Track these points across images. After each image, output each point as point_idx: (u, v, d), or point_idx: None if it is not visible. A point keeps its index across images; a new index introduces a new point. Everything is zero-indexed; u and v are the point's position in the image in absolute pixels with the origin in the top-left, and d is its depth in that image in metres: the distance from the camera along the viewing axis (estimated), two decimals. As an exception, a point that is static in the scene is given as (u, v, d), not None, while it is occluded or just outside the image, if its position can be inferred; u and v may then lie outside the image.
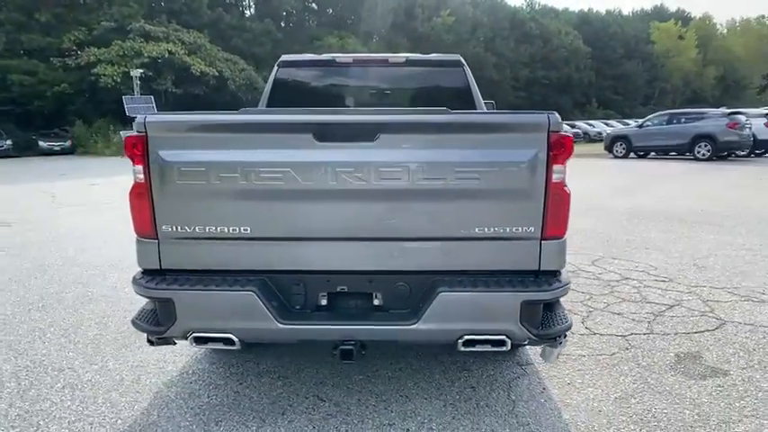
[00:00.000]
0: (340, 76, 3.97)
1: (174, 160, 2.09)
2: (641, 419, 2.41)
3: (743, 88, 77.45)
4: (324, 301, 2.21)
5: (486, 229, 2.09)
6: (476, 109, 3.80)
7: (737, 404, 2.53)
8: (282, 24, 47.00)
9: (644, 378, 2.78)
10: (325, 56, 3.96)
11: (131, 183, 2.20)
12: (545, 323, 2.13)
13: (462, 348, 2.12)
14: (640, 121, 19.51)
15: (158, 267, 2.19)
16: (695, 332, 3.35)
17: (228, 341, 2.13)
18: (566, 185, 2.10)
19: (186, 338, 2.15)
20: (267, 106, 3.81)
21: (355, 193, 2.06)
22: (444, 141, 2.08)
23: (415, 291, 2.16)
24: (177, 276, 2.17)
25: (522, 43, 54.76)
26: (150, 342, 2.32)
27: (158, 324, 2.18)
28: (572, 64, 60.07)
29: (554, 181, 2.06)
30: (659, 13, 79.43)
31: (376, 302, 2.21)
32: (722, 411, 2.47)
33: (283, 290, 2.18)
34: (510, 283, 2.08)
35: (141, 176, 2.12)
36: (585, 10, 74.48)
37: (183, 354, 3.11)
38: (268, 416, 2.46)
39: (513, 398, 2.62)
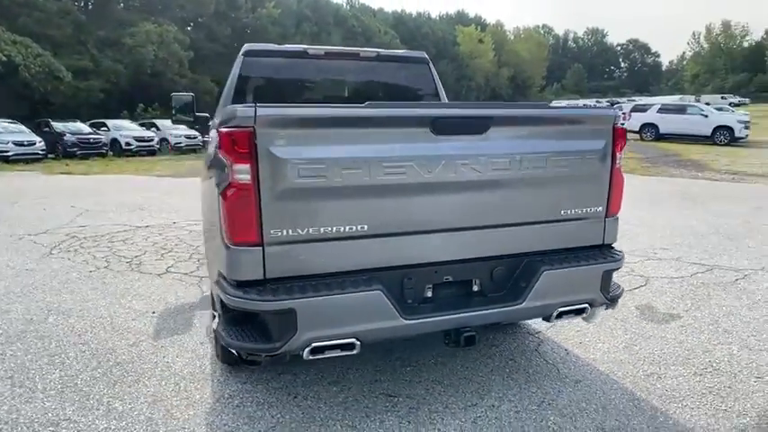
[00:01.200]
0: (310, 68, 3.83)
1: (289, 157, 1.90)
2: (649, 357, 2.93)
3: (528, 87, 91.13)
4: (429, 293, 2.23)
5: (569, 211, 2.34)
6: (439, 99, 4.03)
7: (703, 336, 3.22)
8: (82, 4, 41.02)
9: (628, 329, 3.34)
10: (295, 46, 3.81)
11: (219, 184, 1.94)
12: (612, 289, 2.47)
13: (554, 320, 2.35)
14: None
15: (262, 277, 1.97)
16: (636, 288, 4.09)
17: (349, 346, 2.02)
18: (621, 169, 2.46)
19: (301, 352, 1.98)
20: (234, 99, 3.53)
21: (469, 183, 2.13)
22: (542, 133, 2.26)
23: (510, 273, 2.31)
24: (295, 284, 1.98)
25: (347, 39, 56.41)
26: (249, 363, 2.08)
27: (270, 340, 1.97)
28: (392, 61, 63.92)
29: (616, 166, 2.40)
30: (462, 18, 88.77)
31: (475, 288, 2.31)
32: (698, 344, 3.12)
33: (397, 285, 2.14)
34: (594, 257, 2.37)
35: (246, 177, 1.89)
36: (399, 11, 79.60)
37: (203, 378, 2.77)
38: (355, 421, 2.38)
39: (551, 362, 2.94)
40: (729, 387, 2.63)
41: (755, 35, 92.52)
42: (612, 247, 2.51)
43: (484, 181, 2.15)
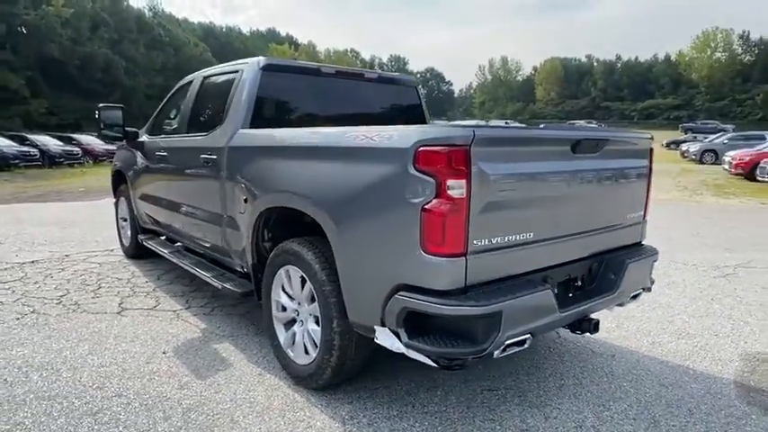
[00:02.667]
0: (322, 86, 3.83)
1: (492, 173, 2.08)
2: (641, 332, 3.71)
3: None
4: (556, 289, 2.57)
5: (629, 216, 2.93)
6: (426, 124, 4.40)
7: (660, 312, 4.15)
8: None
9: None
10: (309, 63, 3.81)
11: (410, 199, 2.03)
12: (651, 276, 3.12)
13: (625, 305, 2.90)
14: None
15: (463, 285, 2.09)
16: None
17: (524, 342, 2.25)
18: (649, 181, 3.15)
19: (495, 350, 2.14)
20: (254, 113, 3.39)
21: (585, 194, 2.56)
22: (622, 152, 2.80)
23: (599, 268, 2.79)
24: (491, 288, 2.13)
25: (153, 49, 52.04)
26: (448, 368, 2.14)
27: (476, 343, 2.09)
28: (205, 75, 60.91)
29: (651, 179, 3.08)
30: (273, 36, 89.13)
31: (578, 283, 2.72)
32: (665, 317, 4.02)
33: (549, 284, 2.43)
34: (646, 252, 2.98)
35: (461, 192, 2.01)
36: (208, 22, 76.43)
37: (305, 407, 2.64)
38: (485, 412, 2.58)
39: (581, 344, 3.50)
40: (704, 345, 3.51)
41: (526, 71, 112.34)
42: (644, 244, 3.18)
43: (593, 192, 2.60)
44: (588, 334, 2.66)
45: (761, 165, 16.04)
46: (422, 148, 2.05)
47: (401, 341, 2.16)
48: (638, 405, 2.69)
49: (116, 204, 5.89)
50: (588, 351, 3.37)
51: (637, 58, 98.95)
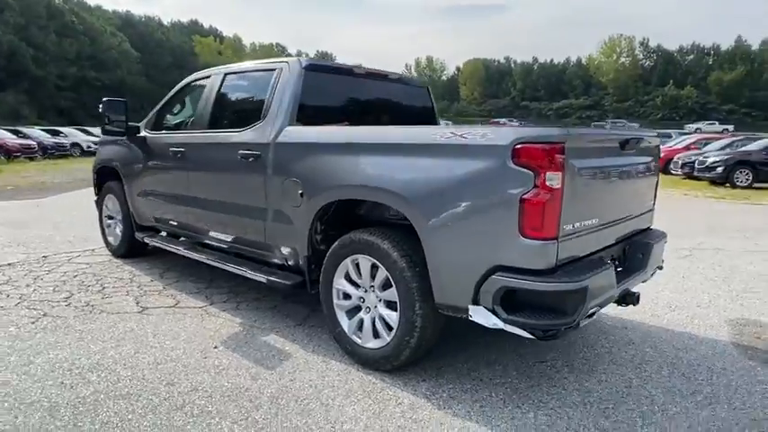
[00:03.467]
0: (353, 87, 3.95)
1: (579, 166, 2.37)
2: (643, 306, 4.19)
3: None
4: None
5: (647, 204, 3.36)
6: (437, 124, 4.66)
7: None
8: None
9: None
10: (344, 64, 3.93)
11: (508, 190, 2.27)
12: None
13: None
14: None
15: (554, 265, 2.36)
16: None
17: (593, 314, 2.57)
18: (657, 178, 3.59)
19: (581, 322, 2.44)
20: (298, 108, 3.48)
21: (630, 185, 2.93)
22: (648, 150, 3.21)
23: (630, 249, 3.17)
24: (574, 267, 2.42)
25: (66, 37, 48.32)
26: (541, 337, 2.39)
27: (566, 315, 2.37)
28: (123, 67, 57.44)
29: (658, 172, 3.53)
30: (196, 28, 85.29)
31: (616, 263, 3.09)
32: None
33: None
34: (660, 235, 3.41)
35: (558, 183, 2.28)
36: (124, 12, 71.77)
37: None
38: (541, 386, 2.88)
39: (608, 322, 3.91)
40: (693, 315, 4.04)
41: (450, 70, 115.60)
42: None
43: (630, 183, 2.99)
44: (632, 306, 3.03)
45: (674, 160, 17.89)
46: (520, 145, 2.29)
47: (499, 317, 2.39)
48: (666, 365, 3.10)
49: (100, 202, 5.62)
50: (603, 324, 3.78)
51: (552, 61, 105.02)
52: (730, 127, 50.11)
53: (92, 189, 5.94)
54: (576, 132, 2.45)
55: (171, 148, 4.32)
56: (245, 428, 2.39)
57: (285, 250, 3.50)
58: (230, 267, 3.80)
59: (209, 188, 4.03)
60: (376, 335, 2.96)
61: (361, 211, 3.31)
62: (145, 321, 3.68)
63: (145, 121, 4.87)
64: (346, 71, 3.85)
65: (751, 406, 2.66)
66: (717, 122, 56.50)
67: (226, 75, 4.13)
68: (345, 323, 3.10)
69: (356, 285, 3.05)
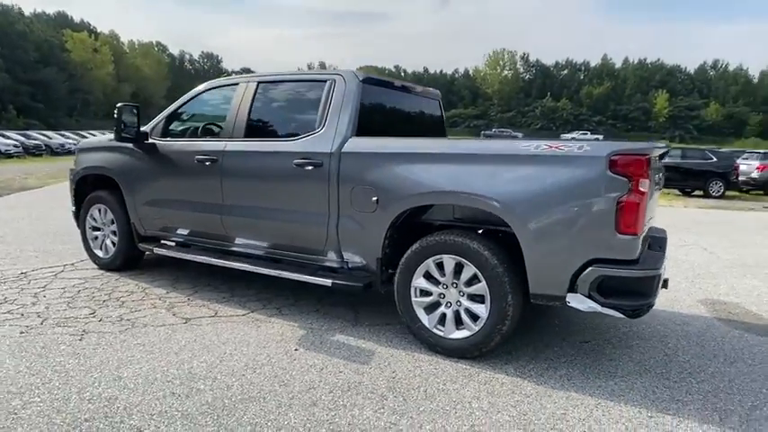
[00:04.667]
0: (390, 99, 4.21)
1: (651, 173, 2.90)
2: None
3: (151, 105, 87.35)
4: None
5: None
6: (445, 132, 5.09)
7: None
8: None
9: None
10: (385, 78, 4.18)
11: (625, 194, 2.76)
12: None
13: None
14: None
15: (638, 256, 2.87)
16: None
17: None
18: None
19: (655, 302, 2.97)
20: (358, 121, 3.71)
21: (655, 189, 3.58)
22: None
23: (650, 243, 3.81)
24: (646, 257, 2.96)
25: None
26: (631, 316, 2.87)
27: (648, 296, 2.88)
28: (-21, 61, 50.51)
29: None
30: (64, 21, 77.36)
31: None
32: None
33: None
34: (664, 231, 4.10)
35: (647, 187, 2.79)
36: (-21, -2, 62.94)
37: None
38: (602, 361, 3.41)
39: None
40: (676, 297, 4.86)
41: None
42: None
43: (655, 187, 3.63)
44: (665, 288, 3.66)
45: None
46: (616, 156, 2.78)
47: (597, 302, 2.85)
48: (681, 338, 3.79)
49: (83, 214, 5.25)
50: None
51: (442, 71, 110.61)
52: (600, 137, 56.63)
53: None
54: (653, 146, 3.00)
55: (197, 156, 4.26)
56: (389, 415, 2.60)
57: (348, 254, 3.68)
58: (287, 274, 3.87)
59: (250, 196, 4.06)
60: (458, 326, 3.28)
61: (423, 216, 3.59)
62: (200, 331, 3.64)
63: (149, 127, 4.70)
64: (387, 84, 4.13)
65: (760, 361, 3.40)
66: (589, 132, 63.44)
67: (259, 83, 4.18)
68: (425, 318, 3.38)
69: (436, 283, 3.35)
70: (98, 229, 5.19)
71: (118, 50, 79.54)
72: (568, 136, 53.64)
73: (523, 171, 3.02)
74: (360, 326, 3.84)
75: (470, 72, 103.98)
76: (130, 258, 5.06)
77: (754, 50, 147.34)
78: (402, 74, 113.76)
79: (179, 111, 4.66)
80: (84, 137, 35.32)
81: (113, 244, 5.07)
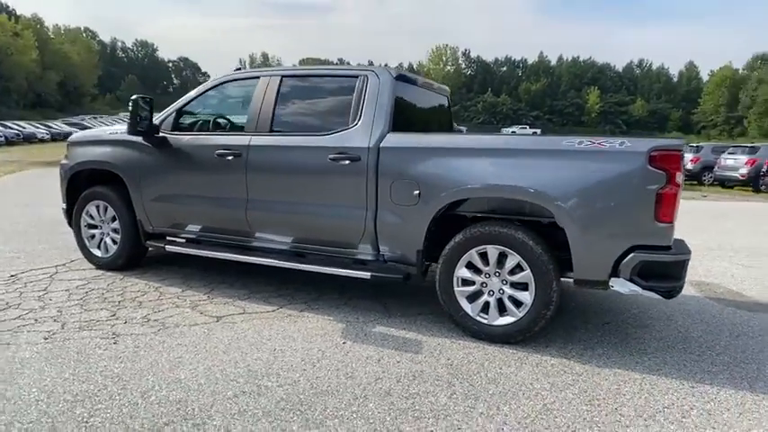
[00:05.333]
0: (415, 95, 4.28)
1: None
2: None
3: (82, 95, 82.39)
4: None
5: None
6: (453, 127, 5.24)
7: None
8: None
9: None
10: (412, 74, 4.24)
11: (646, 186, 2.99)
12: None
13: None
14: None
15: (671, 243, 3.13)
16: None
17: None
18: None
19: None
20: (392, 116, 3.77)
21: None
22: None
23: None
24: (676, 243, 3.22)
25: None
26: (667, 297, 3.11)
27: (678, 279, 3.14)
28: None
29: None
30: (-16, 3, 71.16)
31: None
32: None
33: None
34: None
35: (681, 179, 3.04)
36: None
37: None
38: (635, 336, 3.68)
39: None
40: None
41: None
42: None
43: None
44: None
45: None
46: (656, 152, 3.01)
47: (638, 285, 3.09)
48: (685, 317, 4.12)
49: (76, 212, 4.98)
50: (611, 293, 4.75)
51: (386, 65, 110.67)
52: (538, 130, 59.07)
53: None
54: (683, 143, 3.26)
55: (217, 151, 4.16)
56: (463, 399, 2.71)
57: (384, 246, 3.75)
58: (322, 268, 3.88)
59: (278, 190, 4.02)
60: (502, 313, 3.43)
61: (458, 208, 3.70)
62: (238, 329, 3.60)
63: (157, 120, 4.53)
64: (413, 81, 4.20)
65: (760, 333, 3.78)
66: (527, 126, 65.93)
67: (283, 77, 4.15)
68: (468, 307, 3.51)
69: (478, 272, 3.48)
70: (95, 227, 4.95)
71: (42, 35, 74.00)
72: (509, 130, 55.54)
73: (568, 165, 3.20)
74: (393, 317, 3.92)
75: (414, 66, 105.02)
76: (134, 257, 4.87)
77: (673, 51, 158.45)
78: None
79: (191, 104, 4.52)
80: (9, 127, 33.05)
81: (114, 242, 4.85)
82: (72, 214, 5.04)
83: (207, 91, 4.50)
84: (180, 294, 4.30)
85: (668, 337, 3.70)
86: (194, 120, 4.55)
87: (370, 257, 3.83)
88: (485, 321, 3.47)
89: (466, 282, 3.52)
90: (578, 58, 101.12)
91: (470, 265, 3.49)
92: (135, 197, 4.60)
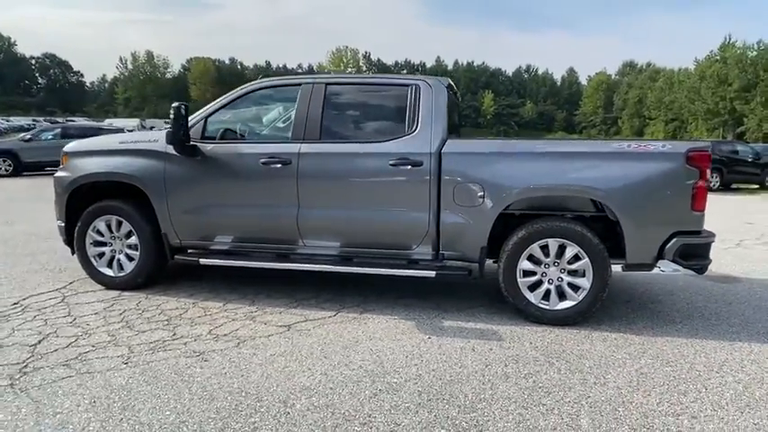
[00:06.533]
0: (451, 100, 4.50)
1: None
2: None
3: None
4: None
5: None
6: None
7: None
8: None
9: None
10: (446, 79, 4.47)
11: (684, 182, 3.56)
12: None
13: None
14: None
15: (702, 228, 3.72)
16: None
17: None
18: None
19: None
20: (447, 123, 4.05)
21: None
22: None
23: None
24: None
25: None
26: (701, 273, 3.69)
27: (706, 258, 3.73)
28: None
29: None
30: None
31: None
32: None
33: None
34: None
35: (708, 176, 3.64)
36: None
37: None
38: (666, 311, 4.26)
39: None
40: (635, 262, 6.03)
41: (175, 68, 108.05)
42: None
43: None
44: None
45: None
46: (692, 153, 3.58)
47: (680, 265, 3.65)
48: (693, 294, 4.83)
49: (80, 229, 4.60)
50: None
51: (285, 66, 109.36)
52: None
53: None
54: (710, 144, 3.85)
55: (261, 159, 4.14)
56: (570, 373, 3.05)
57: (445, 245, 3.99)
58: (386, 271, 4.04)
59: (334, 197, 4.09)
60: (561, 299, 3.84)
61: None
62: (315, 335, 3.65)
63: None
64: (452, 87, 4.48)
65: (745, 299, 4.57)
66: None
67: (327, 85, 4.22)
68: (530, 295, 3.87)
69: (538, 264, 3.86)
70: (103, 245, 4.62)
71: None
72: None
73: (620, 165, 3.69)
74: (450, 312, 4.16)
75: (314, 68, 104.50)
76: (153, 274, 4.63)
77: (556, 57, 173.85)
78: (239, 66, 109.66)
79: (221, 111, 4.42)
80: None
81: (130, 259, 4.57)
82: (72, 232, 4.65)
83: (238, 98, 4.42)
84: (225, 308, 4.20)
85: (682, 308, 4.34)
86: (226, 127, 4.44)
87: (428, 257, 4.05)
88: (546, 307, 3.84)
89: (527, 273, 3.87)
90: (473, 62, 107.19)
91: (531, 258, 3.85)
92: (160, 210, 4.38)
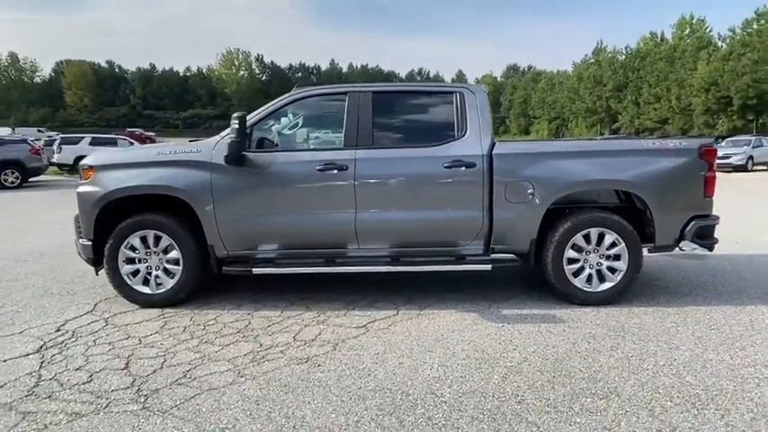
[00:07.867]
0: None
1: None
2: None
3: None
4: None
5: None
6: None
7: None
8: None
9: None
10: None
11: (699, 172, 4.28)
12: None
13: None
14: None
15: (712, 212, 4.45)
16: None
17: None
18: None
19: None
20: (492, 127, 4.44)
21: None
22: None
23: None
24: None
25: None
26: (711, 250, 4.39)
27: (713, 238, 4.46)
28: None
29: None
30: None
31: None
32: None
33: None
34: None
35: (716, 167, 4.37)
36: None
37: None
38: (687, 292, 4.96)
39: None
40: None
41: (45, 72, 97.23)
42: None
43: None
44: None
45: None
46: (703, 148, 4.28)
47: (698, 244, 4.33)
48: (674, 269, 5.64)
49: (112, 247, 4.32)
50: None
51: (173, 69, 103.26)
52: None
53: None
54: (714, 140, 4.59)
55: (318, 166, 4.22)
56: (643, 344, 3.53)
57: (497, 239, 4.35)
58: (447, 267, 4.33)
59: (392, 200, 4.27)
60: (601, 281, 4.37)
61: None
62: (398, 331, 3.82)
63: (225, 138, 4.31)
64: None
65: (730, 270, 5.44)
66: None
67: (374, 93, 4.39)
68: (575, 280, 4.35)
69: (580, 251, 4.36)
70: (135, 262, 4.38)
71: None
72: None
73: (647, 160, 4.29)
74: (501, 301, 4.51)
75: (204, 71, 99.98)
76: (196, 288, 4.48)
77: (445, 61, 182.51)
78: (117, 69, 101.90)
79: (265, 121, 4.40)
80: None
81: (169, 275, 4.38)
82: (99, 250, 4.35)
83: (280, 108, 4.43)
84: (285, 315, 4.20)
85: (684, 282, 5.08)
86: (272, 136, 4.43)
87: (478, 251, 4.38)
88: (590, 290, 4.35)
89: (571, 261, 4.35)
90: (367, 66, 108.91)
91: (574, 246, 4.33)
92: (206, 221, 4.26)
